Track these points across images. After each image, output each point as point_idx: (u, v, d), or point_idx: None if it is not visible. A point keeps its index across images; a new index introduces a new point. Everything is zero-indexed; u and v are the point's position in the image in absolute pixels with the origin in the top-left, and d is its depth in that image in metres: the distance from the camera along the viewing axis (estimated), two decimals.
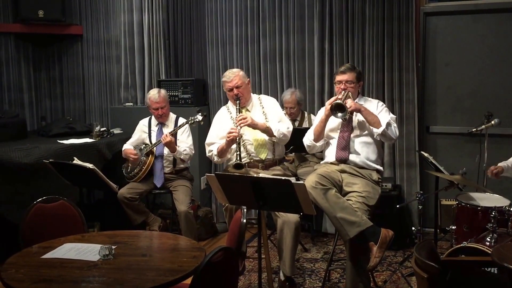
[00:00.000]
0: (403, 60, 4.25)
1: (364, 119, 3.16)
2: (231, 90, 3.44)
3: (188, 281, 1.92)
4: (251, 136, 3.43)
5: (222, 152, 3.42)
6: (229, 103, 3.64)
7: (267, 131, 3.37)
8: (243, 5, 4.71)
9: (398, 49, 4.26)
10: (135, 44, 4.94)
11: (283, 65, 4.64)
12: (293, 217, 3.08)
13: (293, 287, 3.25)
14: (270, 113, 3.49)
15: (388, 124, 3.11)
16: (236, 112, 3.40)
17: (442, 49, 4.40)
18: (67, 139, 4.31)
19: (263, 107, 3.54)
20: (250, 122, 3.29)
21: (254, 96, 3.61)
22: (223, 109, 3.69)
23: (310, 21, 4.49)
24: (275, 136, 3.38)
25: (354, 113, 3.19)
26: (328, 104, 3.15)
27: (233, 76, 3.44)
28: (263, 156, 3.41)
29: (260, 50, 4.71)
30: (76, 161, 3.57)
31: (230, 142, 3.31)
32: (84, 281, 1.90)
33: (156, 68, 4.95)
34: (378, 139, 3.18)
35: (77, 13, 5.29)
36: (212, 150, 3.51)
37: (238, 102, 3.42)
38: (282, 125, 3.43)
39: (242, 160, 3.39)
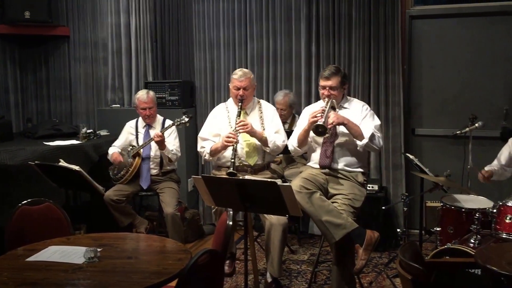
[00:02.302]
0: (389, 63, 4.30)
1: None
2: (238, 89, 3.42)
3: (174, 283, 1.92)
4: (243, 140, 3.42)
5: (215, 153, 3.42)
6: (228, 102, 3.62)
7: (262, 140, 3.38)
8: (231, 7, 4.72)
9: (384, 51, 4.30)
10: (123, 46, 4.93)
11: (270, 68, 4.66)
12: (281, 219, 3.09)
13: None
14: (268, 121, 3.49)
15: (372, 136, 3.06)
16: (237, 115, 3.38)
17: (427, 52, 4.45)
18: (53, 141, 4.28)
19: (261, 112, 3.53)
20: (249, 129, 3.29)
21: (254, 99, 3.61)
22: (221, 106, 3.66)
23: (297, 23, 4.52)
24: (269, 147, 3.39)
25: None
26: (310, 120, 3.07)
27: (245, 77, 3.42)
28: (252, 161, 3.40)
29: (247, 52, 4.73)
30: (62, 163, 3.55)
31: (226, 146, 3.32)
32: (69, 284, 1.90)
33: (144, 70, 4.94)
34: (361, 150, 3.15)
35: (63, 14, 5.26)
36: (204, 147, 3.49)
37: (240, 104, 3.41)
38: (278, 137, 3.43)
39: (230, 162, 3.39)
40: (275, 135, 3.44)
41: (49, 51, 5.35)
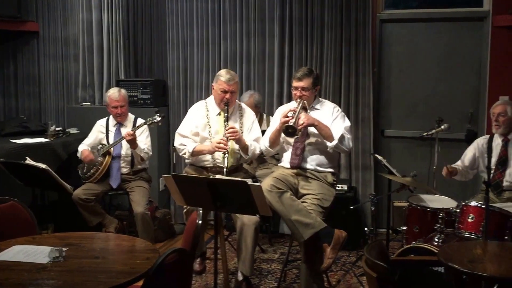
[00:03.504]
0: (359, 65, 4.38)
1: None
2: (225, 92, 3.33)
3: (141, 283, 1.91)
4: None
5: (198, 154, 3.37)
6: (209, 101, 3.52)
7: (244, 148, 3.36)
8: (204, 6, 4.71)
9: (355, 54, 4.38)
10: (94, 43, 4.85)
11: (243, 68, 4.68)
12: (253, 218, 3.10)
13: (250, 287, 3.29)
14: (248, 127, 3.46)
15: (342, 137, 3.12)
16: (225, 120, 3.31)
17: (397, 55, 4.56)
18: (20, 139, 4.18)
19: (241, 116, 3.49)
20: (239, 137, 3.26)
21: (236, 102, 3.55)
22: (201, 104, 3.56)
23: (271, 24, 4.55)
24: (248, 155, 3.40)
25: None
26: (281, 120, 3.09)
27: (233, 81, 3.34)
28: (228, 164, 3.35)
29: (221, 52, 4.73)
30: (29, 161, 3.48)
31: (213, 151, 3.28)
32: (32, 284, 1.86)
33: (115, 67, 4.87)
34: (331, 151, 3.20)
35: (33, 9, 5.15)
36: (185, 146, 3.40)
37: (226, 108, 3.33)
38: (257, 146, 3.41)
39: (205, 163, 3.40)
40: (254, 142, 3.42)
41: (18, 47, 5.23)
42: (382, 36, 4.54)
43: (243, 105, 3.63)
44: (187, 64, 4.83)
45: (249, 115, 3.55)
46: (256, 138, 3.46)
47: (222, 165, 3.33)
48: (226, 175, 3.32)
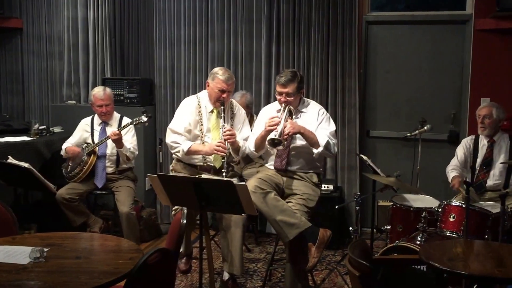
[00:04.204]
0: (346, 66, 4.41)
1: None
2: (223, 92, 3.25)
3: (124, 283, 1.90)
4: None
5: (193, 154, 3.31)
6: (201, 96, 3.42)
7: (236, 149, 3.34)
8: (192, 6, 4.70)
9: (342, 55, 4.40)
10: (79, 40, 4.81)
11: (231, 68, 4.66)
12: (241, 217, 3.08)
13: (236, 287, 3.28)
14: (239, 126, 3.43)
15: (327, 144, 3.09)
16: (223, 121, 3.24)
17: (382, 57, 4.60)
18: (2, 137, 4.12)
19: (232, 113, 3.45)
20: (235, 140, 3.24)
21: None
22: (193, 99, 3.45)
23: (258, 25, 4.56)
24: (238, 155, 3.39)
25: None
26: (266, 128, 3.05)
27: (232, 81, 3.28)
28: (218, 164, 3.34)
29: (208, 51, 4.72)
30: (11, 159, 3.44)
31: (211, 153, 3.23)
32: (12, 285, 1.83)
33: (101, 65, 4.84)
34: (317, 157, 3.18)
35: (17, 5, 5.09)
36: (179, 144, 3.30)
37: (223, 108, 3.27)
38: (247, 146, 3.35)
39: (195, 161, 3.36)
40: (244, 142, 3.39)
41: (1, 43, 5.16)
42: (368, 37, 4.58)
43: (235, 102, 3.55)
44: (174, 63, 4.81)
45: (241, 114, 3.49)
46: (246, 138, 3.43)
47: (212, 165, 3.32)
48: (214, 173, 3.32)
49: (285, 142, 3.04)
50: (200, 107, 3.37)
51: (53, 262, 2.02)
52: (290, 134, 3.01)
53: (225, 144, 3.16)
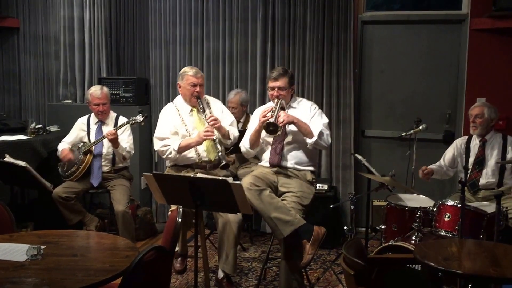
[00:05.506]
0: (341, 66, 4.43)
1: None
2: (194, 86, 3.39)
3: (119, 281, 1.91)
4: None
5: (185, 149, 3.36)
6: (176, 101, 3.55)
7: (226, 135, 3.40)
8: (187, 5, 4.71)
9: (337, 55, 4.42)
10: (76, 40, 4.83)
11: (226, 67, 4.69)
12: (236, 216, 3.12)
13: (231, 286, 3.30)
14: (219, 115, 3.48)
15: (321, 134, 3.16)
16: (201, 111, 3.36)
17: (377, 57, 4.62)
18: None
19: (210, 108, 3.53)
20: (219, 125, 3.30)
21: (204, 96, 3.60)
22: (169, 106, 3.58)
23: (253, 24, 4.57)
24: (230, 139, 3.43)
25: None
26: (261, 119, 3.14)
27: (200, 75, 3.44)
28: (212, 156, 3.39)
29: (203, 51, 4.74)
30: (8, 158, 3.45)
31: (201, 141, 3.30)
32: (10, 282, 1.85)
33: (97, 65, 4.85)
34: (311, 148, 3.24)
35: (13, 5, 5.10)
36: (169, 145, 3.38)
37: (199, 101, 3.39)
38: (234, 130, 3.49)
39: (190, 160, 3.39)
40: (230, 127, 3.47)
41: None
42: (363, 37, 4.60)
43: (208, 96, 3.67)
44: (169, 63, 4.82)
45: (217, 104, 3.60)
46: (231, 123, 3.52)
47: (207, 159, 3.36)
48: (210, 170, 3.35)
49: (281, 130, 3.10)
50: (178, 110, 3.49)
51: (50, 259, 2.04)
52: (284, 122, 3.09)
53: (212, 129, 3.25)
